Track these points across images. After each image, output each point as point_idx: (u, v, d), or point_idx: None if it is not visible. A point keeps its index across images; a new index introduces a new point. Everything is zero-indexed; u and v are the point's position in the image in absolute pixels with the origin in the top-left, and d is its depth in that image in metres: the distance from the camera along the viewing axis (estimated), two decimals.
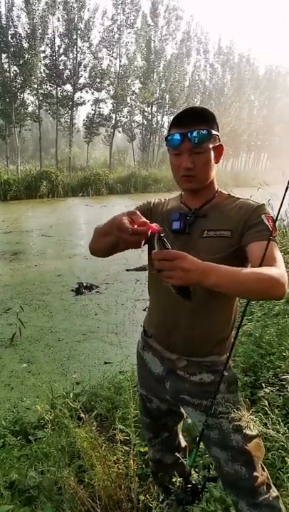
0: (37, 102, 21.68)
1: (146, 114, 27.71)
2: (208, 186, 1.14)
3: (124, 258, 6.43)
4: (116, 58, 23.57)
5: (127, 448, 1.47)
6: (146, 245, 0.99)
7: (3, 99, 19.35)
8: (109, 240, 1.07)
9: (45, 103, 22.14)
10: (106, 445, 1.54)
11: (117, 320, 4.22)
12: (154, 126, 27.98)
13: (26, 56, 19.35)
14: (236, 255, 1.06)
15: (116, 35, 23.26)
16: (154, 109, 27.76)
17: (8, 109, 19.45)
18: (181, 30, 29.20)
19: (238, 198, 1.16)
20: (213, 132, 1.06)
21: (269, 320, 3.09)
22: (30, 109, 21.82)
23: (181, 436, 1.50)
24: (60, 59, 21.68)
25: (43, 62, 20.97)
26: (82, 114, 70.76)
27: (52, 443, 1.67)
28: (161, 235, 0.83)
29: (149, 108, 27.42)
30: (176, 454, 1.41)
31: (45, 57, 21.16)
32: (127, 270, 6.24)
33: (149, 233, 0.84)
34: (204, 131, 1.04)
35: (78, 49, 21.92)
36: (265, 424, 1.62)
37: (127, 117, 25.83)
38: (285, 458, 1.57)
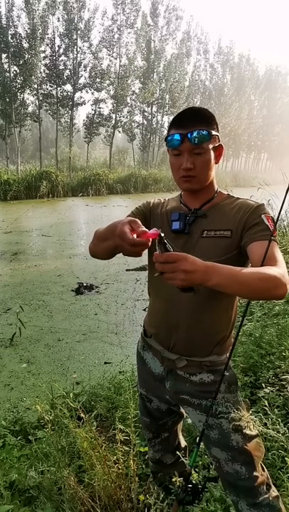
0: (37, 102, 21.70)
1: (146, 114, 27.73)
2: (208, 186, 1.14)
3: (124, 258, 6.43)
4: (116, 58, 23.60)
5: (127, 448, 1.47)
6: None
7: (3, 99, 19.35)
8: (110, 245, 1.04)
9: (45, 103, 22.16)
10: (106, 445, 1.54)
11: (117, 320, 4.22)
12: (154, 126, 27.99)
13: (26, 56, 19.35)
14: (237, 256, 1.06)
15: (116, 35, 23.29)
16: (154, 109, 27.77)
17: (8, 109, 19.46)
18: (181, 30, 29.38)
19: (238, 198, 1.16)
20: (213, 133, 1.07)
21: (269, 320, 3.09)
22: (30, 109, 21.86)
23: (181, 437, 1.50)
24: (60, 59, 21.70)
25: (43, 62, 20.98)
26: (82, 114, 70.89)
27: (52, 443, 1.67)
28: (162, 235, 0.83)
29: (149, 108, 27.44)
30: (177, 453, 1.41)
31: (45, 57, 21.17)
32: (127, 270, 6.24)
33: (149, 243, 0.83)
34: (204, 132, 1.04)
35: (78, 49, 21.95)
36: (265, 424, 1.62)
37: (127, 117, 25.85)
38: (285, 458, 1.57)
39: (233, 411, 1.11)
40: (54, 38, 21.23)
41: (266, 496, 1.13)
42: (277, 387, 2.17)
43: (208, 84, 33.52)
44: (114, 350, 3.53)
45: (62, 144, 29.23)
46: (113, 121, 24.43)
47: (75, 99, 22.64)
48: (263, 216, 1.04)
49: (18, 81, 19.87)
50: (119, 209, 14.18)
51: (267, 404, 1.75)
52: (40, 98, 21.65)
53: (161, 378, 1.26)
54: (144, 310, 4.48)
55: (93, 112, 23.76)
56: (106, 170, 22.42)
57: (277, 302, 3.33)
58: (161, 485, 1.49)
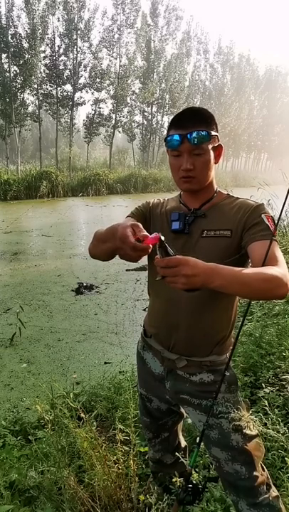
0: (37, 102, 21.70)
1: (146, 114, 27.73)
2: (208, 186, 1.14)
3: None
4: (116, 58, 23.60)
5: (127, 448, 1.47)
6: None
7: (3, 99, 19.35)
8: (109, 247, 1.02)
9: (45, 103, 22.16)
10: (106, 445, 1.54)
11: (117, 320, 4.22)
12: (154, 126, 27.99)
13: (26, 56, 19.35)
14: (237, 256, 1.06)
15: (116, 35, 23.29)
16: (154, 109, 27.77)
17: (8, 109, 19.46)
18: (181, 30, 29.36)
19: (237, 198, 1.16)
20: (213, 133, 1.06)
21: (269, 320, 3.09)
22: (30, 109, 21.86)
23: (181, 436, 1.50)
24: (60, 59, 21.70)
25: (43, 62, 20.98)
26: (82, 114, 70.89)
27: (52, 443, 1.67)
28: (162, 239, 0.83)
29: (149, 108, 27.44)
30: (177, 453, 1.41)
31: (45, 57, 21.17)
32: (127, 270, 6.24)
33: (150, 250, 0.83)
34: (204, 132, 1.04)
35: (78, 49, 21.95)
36: (265, 424, 1.62)
37: (127, 117, 25.84)
38: (285, 458, 1.57)
39: (233, 411, 1.11)
40: (54, 38, 21.24)
41: (266, 495, 1.13)
42: (277, 387, 2.17)
43: (208, 84, 33.52)
44: (114, 350, 3.53)
45: (62, 144, 29.24)
46: (113, 121, 24.44)
47: (75, 99, 22.66)
48: (263, 216, 1.04)
49: (18, 81, 19.87)
50: (119, 209, 14.18)
51: (267, 404, 1.75)
52: (40, 98, 21.65)
53: (161, 378, 1.26)
54: (144, 310, 4.48)
55: (93, 112, 23.76)
56: (106, 170, 22.42)
57: (277, 302, 3.33)
58: (162, 485, 1.49)
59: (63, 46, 21.55)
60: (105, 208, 14.61)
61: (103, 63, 23.08)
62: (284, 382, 2.19)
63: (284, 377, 2.22)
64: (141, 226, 0.85)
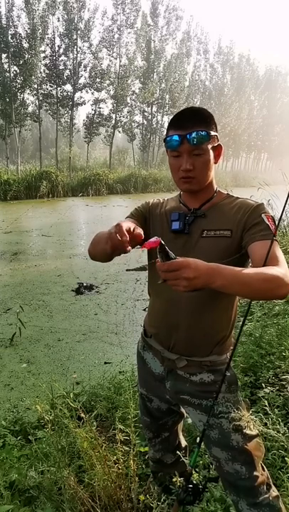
0: (37, 102, 21.69)
1: (146, 114, 27.72)
2: (208, 186, 1.14)
3: (124, 258, 6.43)
4: (116, 58, 23.60)
5: (127, 448, 1.47)
6: (145, 249, 0.98)
7: (3, 99, 19.35)
8: (104, 247, 1.04)
9: (45, 103, 22.15)
10: (106, 445, 1.54)
11: (117, 320, 4.22)
12: (154, 126, 27.98)
13: (26, 56, 19.35)
14: (237, 256, 1.06)
15: (116, 35, 23.28)
16: (154, 109, 27.76)
17: (8, 109, 19.46)
18: (181, 30, 29.31)
19: (237, 198, 1.16)
20: (212, 133, 1.06)
21: (269, 320, 3.09)
22: (30, 109, 21.85)
23: (181, 436, 1.50)
24: (60, 59, 21.69)
25: (43, 62, 20.97)
26: (82, 114, 70.89)
27: (52, 443, 1.67)
28: (162, 243, 0.83)
29: (149, 108, 27.43)
30: (177, 453, 1.41)
31: (45, 57, 21.17)
32: (127, 270, 6.24)
33: (128, 238, 0.86)
34: (203, 133, 1.03)
35: (78, 49, 21.94)
36: (265, 424, 1.62)
37: (127, 117, 25.84)
38: (285, 458, 1.57)
39: (234, 411, 1.11)
40: (54, 38, 21.23)
41: (266, 495, 1.13)
42: (277, 387, 2.17)
43: (208, 84, 33.52)
44: (114, 350, 3.53)
45: (62, 144, 29.24)
46: (113, 121, 24.43)
47: (75, 99, 22.65)
48: (263, 216, 1.04)
49: (18, 81, 19.86)
50: (119, 209, 14.17)
51: (267, 404, 1.75)
52: (40, 98, 21.65)
53: (161, 378, 1.26)
54: (144, 310, 4.48)
55: (93, 112, 23.76)
56: (106, 170, 22.42)
57: (277, 302, 3.33)
58: (162, 485, 1.49)
59: (63, 46, 21.55)
60: (105, 208, 14.61)
61: (103, 63, 23.10)
62: (284, 382, 2.19)
63: (284, 377, 2.23)
64: (142, 233, 0.88)
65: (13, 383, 2.96)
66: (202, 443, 1.15)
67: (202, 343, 1.16)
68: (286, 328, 2.76)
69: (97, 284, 5.49)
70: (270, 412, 1.72)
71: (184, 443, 1.52)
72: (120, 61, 23.62)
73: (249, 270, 0.88)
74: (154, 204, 1.26)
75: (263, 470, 1.17)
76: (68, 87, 22.45)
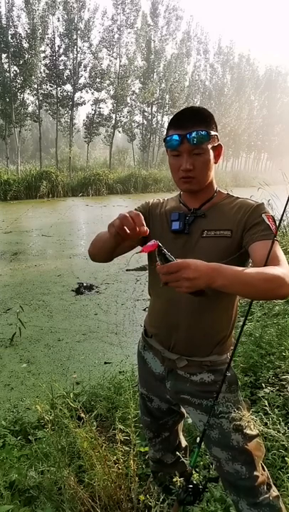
0: (37, 102, 21.69)
1: (146, 114, 27.72)
2: (208, 186, 1.14)
3: (124, 258, 6.42)
4: (116, 58, 23.59)
5: (127, 448, 1.47)
6: (141, 247, 0.99)
7: (3, 99, 19.34)
8: (107, 239, 1.03)
9: (45, 103, 22.15)
10: (106, 445, 1.54)
11: (117, 320, 4.22)
12: (154, 126, 27.98)
13: (26, 56, 19.34)
14: (237, 256, 1.06)
15: (116, 35, 23.27)
16: (154, 109, 27.76)
17: (8, 109, 19.45)
18: (181, 30, 29.30)
19: (237, 198, 1.16)
20: (212, 133, 1.06)
21: (269, 320, 3.09)
22: (30, 109, 21.85)
23: (181, 436, 1.50)
24: (60, 59, 21.68)
25: (43, 62, 20.97)
26: (82, 114, 70.90)
27: (52, 443, 1.67)
28: (160, 245, 0.83)
29: (149, 108, 27.43)
30: (177, 453, 1.41)
31: (45, 57, 21.16)
32: (127, 270, 6.24)
33: (127, 230, 0.88)
34: (203, 132, 1.03)
35: (78, 49, 21.93)
36: (266, 423, 1.62)
37: (127, 117, 25.84)
38: (285, 458, 1.57)
39: (234, 411, 1.11)
40: (54, 38, 21.22)
41: (266, 495, 1.13)
42: (277, 387, 2.17)
43: (208, 84, 33.51)
44: (114, 350, 3.53)
45: (62, 144, 29.24)
46: (113, 121, 24.43)
47: (75, 99, 22.65)
48: (263, 215, 1.04)
49: (18, 81, 19.85)
50: (119, 209, 14.17)
51: (267, 404, 1.75)
52: (40, 98, 21.64)
53: (161, 378, 1.26)
54: (144, 310, 4.48)
55: (93, 112, 23.75)
56: (106, 170, 22.41)
57: (277, 302, 3.33)
58: (162, 485, 1.49)
59: (63, 46, 21.54)
60: (105, 208, 14.61)
61: (103, 63, 23.09)
62: (284, 382, 2.19)
63: (284, 377, 2.23)
64: (139, 213, 0.88)
65: (13, 383, 2.96)
66: (202, 443, 1.15)
67: (202, 343, 1.16)
68: (286, 328, 2.76)
69: (97, 284, 5.49)
70: (270, 412, 1.72)
71: (184, 443, 1.52)
72: (120, 61, 23.64)
73: (250, 270, 0.88)
74: (154, 204, 1.26)
75: (263, 470, 1.17)
76: (68, 87, 22.48)
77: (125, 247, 1.18)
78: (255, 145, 42.01)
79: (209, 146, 1.06)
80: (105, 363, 3.29)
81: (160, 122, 28.64)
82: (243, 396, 1.83)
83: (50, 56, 21.36)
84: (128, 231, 0.88)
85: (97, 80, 22.76)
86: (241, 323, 1.20)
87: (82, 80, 22.65)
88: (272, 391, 2.10)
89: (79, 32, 21.57)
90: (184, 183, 1.11)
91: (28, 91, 20.76)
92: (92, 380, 2.82)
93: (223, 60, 34.20)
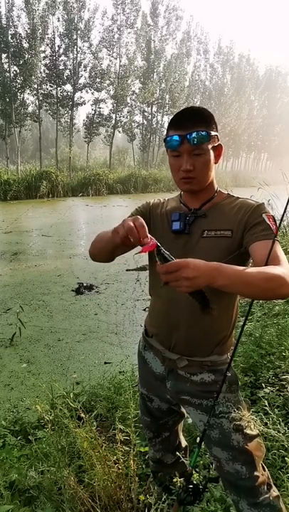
0: (37, 102, 21.69)
1: (146, 114, 27.72)
2: (208, 186, 1.14)
3: (124, 258, 6.43)
4: (116, 58, 23.59)
5: (127, 448, 1.47)
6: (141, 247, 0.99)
7: (3, 99, 19.34)
8: (109, 240, 1.04)
9: (45, 103, 22.15)
10: (106, 445, 1.54)
11: (117, 320, 4.22)
12: (154, 126, 27.98)
13: (26, 56, 19.34)
14: (238, 256, 1.06)
15: (116, 35, 23.27)
16: (154, 109, 27.76)
17: (8, 109, 19.45)
18: (181, 30, 29.31)
19: (238, 198, 1.16)
20: (212, 133, 1.06)
21: (269, 320, 3.09)
22: (30, 109, 21.85)
23: (181, 436, 1.50)
24: (60, 59, 21.68)
25: (43, 62, 20.97)
26: (82, 114, 70.93)
27: (52, 443, 1.67)
28: (159, 245, 0.83)
29: (149, 108, 27.43)
30: (177, 453, 1.41)
31: (45, 57, 21.16)
32: (127, 270, 6.24)
33: (144, 252, 0.87)
34: (203, 133, 1.03)
35: (78, 49, 21.93)
36: (266, 423, 1.62)
37: (127, 117, 25.84)
38: (286, 458, 1.57)
39: (234, 411, 1.11)
40: (54, 38, 21.22)
41: (267, 495, 1.13)
42: (277, 387, 2.17)
43: (208, 84, 33.52)
44: (114, 350, 3.53)
45: (62, 144, 29.24)
46: (113, 121, 24.43)
47: (75, 99, 22.65)
48: (264, 215, 1.04)
49: (18, 81, 19.85)
50: (119, 209, 14.17)
51: (267, 404, 1.75)
52: (40, 98, 21.64)
53: (162, 378, 1.26)
54: (144, 310, 4.48)
55: (93, 112, 23.76)
56: (106, 170, 22.41)
57: (277, 302, 3.33)
58: (162, 485, 1.49)
59: (63, 46, 21.54)
60: (105, 208, 14.61)
61: (103, 63, 23.09)
62: (284, 382, 2.19)
63: (284, 377, 2.23)
64: (143, 221, 0.87)
65: (13, 383, 2.96)
66: (202, 443, 1.15)
67: (202, 343, 1.16)
68: (286, 328, 2.76)
69: (97, 284, 5.49)
70: (270, 412, 1.72)
71: (184, 443, 1.52)
72: (120, 61, 23.64)
73: (251, 269, 0.88)
74: (154, 204, 1.26)
75: (264, 470, 1.17)
76: (68, 87, 22.48)
77: (126, 248, 1.18)
78: (255, 145, 42.01)
79: (209, 147, 1.06)
80: (105, 363, 3.29)
81: (160, 122, 28.65)
82: (243, 396, 1.83)
83: (50, 56, 21.36)
84: (132, 240, 0.88)
85: (97, 80, 22.76)
86: (241, 323, 1.20)
87: (82, 80, 22.68)
88: (272, 391, 2.10)
89: (79, 32, 21.57)
90: (184, 184, 1.11)
91: (28, 91, 20.77)
92: (92, 380, 2.82)
93: (223, 60, 34.19)
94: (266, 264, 0.93)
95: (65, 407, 1.62)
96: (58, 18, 21.10)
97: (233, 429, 1.11)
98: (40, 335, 3.84)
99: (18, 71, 19.64)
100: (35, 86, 21.02)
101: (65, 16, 20.90)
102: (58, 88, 21.96)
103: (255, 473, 1.12)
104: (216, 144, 1.09)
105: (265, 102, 41.46)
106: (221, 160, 1.16)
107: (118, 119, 24.82)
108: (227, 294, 1.07)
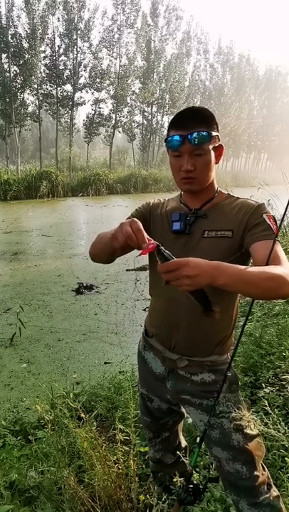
0: (37, 102, 21.69)
1: (146, 114, 27.73)
2: (208, 187, 1.14)
3: (124, 258, 6.42)
4: (116, 58, 23.60)
5: (127, 448, 1.47)
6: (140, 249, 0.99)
7: (3, 99, 19.35)
8: (108, 242, 1.04)
9: (45, 103, 22.15)
10: (106, 445, 1.54)
11: (117, 320, 4.22)
12: (154, 126, 27.98)
13: (26, 56, 19.35)
14: (238, 256, 1.06)
15: (116, 35, 23.28)
16: (154, 109, 27.76)
17: (8, 109, 19.46)
18: (181, 30, 29.32)
19: (238, 198, 1.16)
20: (213, 133, 1.06)
21: (269, 320, 3.09)
22: (30, 109, 21.86)
23: (181, 436, 1.50)
24: (60, 59, 21.70)
25: (43, 62, 20.97)
26: (82, 114, 70.93)
27: (52, 443, 1.67)
28: (159, 245, 0.83)
29: (149, 108, 27.43)
30: (177, 453, 1.41)
31: (45, 57, 21.17)
32: (127, 270, 6.24)
33: (144, 253, 0.87)
34: (204, 133, 1.03)
35: (78, 49, 21.94)
36: (266, 424, 1.62)
37: (127, 117, 25.84)
38: (286, 458, 1.57)
39: (234, 410, 1.11)
40: (54, 38, 21.23)
41: (267, 495, 1.13)
42: (277, 387, 2.17)
43: (208, 84, 33.53)
44: (114, 350, 3.53)
45: (62, 144, 29.24)
46: (113, 121, 24.43)
47: (75, 99, 22.65)
48: (264, 216, 1.04)
49: (18, 81, 19.86)
50: (119, 209, 14.17)
51: (267, 404, 1.75)
52: (40, 98, 21.65)
53: (162, 378, 1.26)
54: (144, 310, 4.48)
55: (93, 112, 23.76)
56: (106, 170, 22.41)
57: (277, 302, 3.33)
58: (162, 485, 1.49)
59: (63, 46, 21.55)
60: (105, 208, 14.61)
61: (103, 63, 23.10)
62: (284, 382, 2.19)
63: (284, 377, 2.22)
64: (140, 224, 0.86)
65: (13, 383, 2.96)
66: (202, 443, 1.15)
67: (203, 343, 1.16)
68: (286, 328, 2.76)
69: (97, 284, 5.49)
70: (270, 412, 1.72)
71: (184, 443, 1.52)
72: (120, 61, 23.65)
73: (253, 269, 0.88)
74: (154, 204, 1.26)
75: (264, 470, 1.17)
76: (68, 87, 22.49)
77: (125, 251, 1.18)
78: (255, 145, 42.02)
79: (210, 147, 1.06)
80: (105, 363, 3.29)
81: (160, 122, 28.66)
82: (243, 396, 1.83)
83: (50, 56, 21.38)
84: (131, 245, 0.88)
85: (97, 80, 22.77)
86: (242, 323, 1.20)
87: (82, 80, 22.70)
88: (272, 391, 2.10)
89: (79, 32, 21.58)
90: (184, 184, 1.11)
91: (28, 91, 20.78)
92: (92, 380, 2.82)
93: (223, 60, 34.20)
94: (267, 264, 0.93)
95: (65, 407, 1.62)
96: (58, 18, 21.15)
97: (233, 429, 1.11)
98: (40, 335, 3.84)
99: (18, 71, 19.65)
100: (35, 86, 21.03)
101: (65, 16, 20.92)
102: (58, 88, 21.97)
103: (255, 473, 1.12)
104: (216, 145, 1.09)
105: (265, 102, 41.47)
106: (221, 160, 1.16)
107: (118, 119, 24.84)
108: (227, 294, 1.07)
